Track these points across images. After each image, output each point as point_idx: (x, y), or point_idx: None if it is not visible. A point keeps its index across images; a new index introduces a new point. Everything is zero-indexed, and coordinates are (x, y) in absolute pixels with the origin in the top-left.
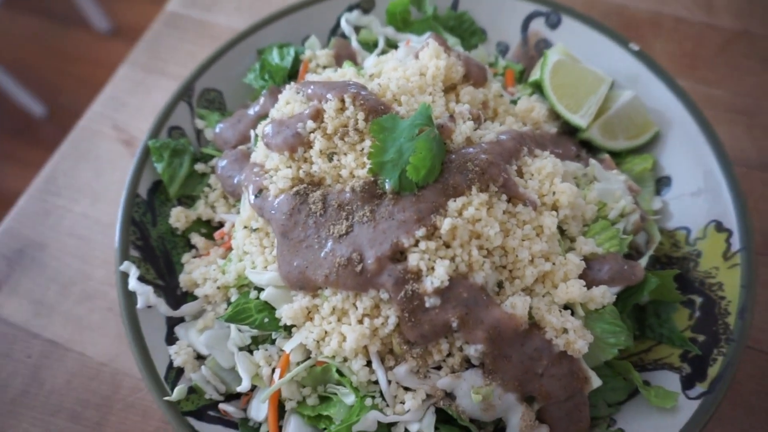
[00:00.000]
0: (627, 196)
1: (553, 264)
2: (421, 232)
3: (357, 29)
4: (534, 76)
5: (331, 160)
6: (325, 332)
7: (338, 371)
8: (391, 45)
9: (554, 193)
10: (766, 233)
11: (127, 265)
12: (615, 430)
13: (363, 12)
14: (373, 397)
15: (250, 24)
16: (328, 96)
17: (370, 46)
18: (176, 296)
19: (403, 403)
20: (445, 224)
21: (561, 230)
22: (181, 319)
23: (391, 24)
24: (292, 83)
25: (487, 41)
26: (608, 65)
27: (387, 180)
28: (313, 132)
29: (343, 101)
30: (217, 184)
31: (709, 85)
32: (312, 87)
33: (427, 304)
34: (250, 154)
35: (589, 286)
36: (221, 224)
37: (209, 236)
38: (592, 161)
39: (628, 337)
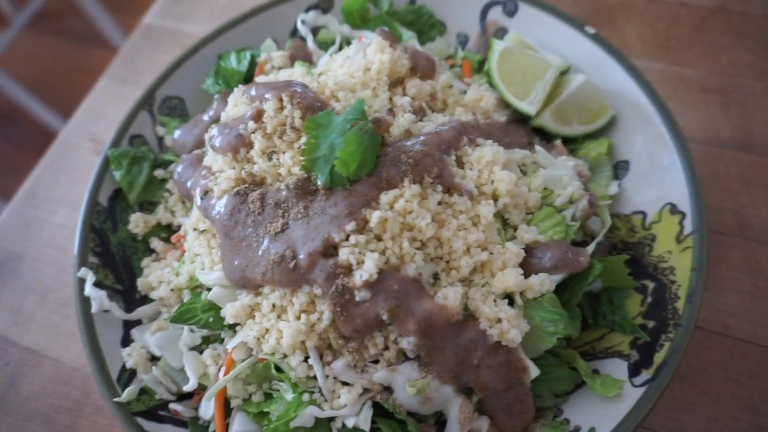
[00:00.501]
0: (575, 182)
1: (491, 253)
2: (351, 226)
3: (316, 30)
4: (488, 64)
5: (270, 159)
6: (266, 329)
7: (277, 368)
8: (350, 43)
9: (493, 181)
10: (738, 213)
11: (84, 272)
12: (561, 421)
13: (322, 12)
14: (312, 393)
15: (209, 32)
16: (267, 96)
17: (329, 46)
18: (135, 300)
19: (339, 397)
20: (374, 217)
21: (503, 219)
22: (141, 322)
23: (348, 22)
24: (240, 86)
25: (446, 33)
26: (566, 51)
27: (319, 176)
28: (254, 132)
29: (281, 100)
30: (175, 188)
31: (682, 66)
32: (254, 88)
33: (358, 298)
34: (204, 157)
35: (531, 275)
36: (180, 228)
37: (169, 240)
38: (538, 147)
39: (568, 325)
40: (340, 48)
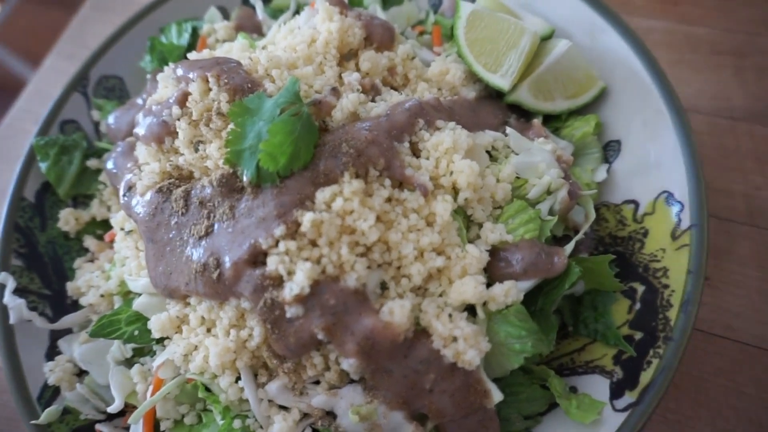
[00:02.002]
0: (553, 169)
1: (448, 258)
2: (280, 230)
3: None
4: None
5: (197, 150)
6: (194, 346)
7: (207, 388)
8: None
9: (453, 173)
10: (749, 197)
11: (3, 277)
12: None
13: None
14: (245, 418)
15: (150, 1)
16: (191, 76)
17: (283, 14)
18: (65, 306)
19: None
20: (306, 220)
21: (466, 216)
22: (71, 331)
23: None
24: (171, 64)
25: None
26: (550, 11)
27: (245, 171)
28: (179, 119)
29: (207, 81)
30: (107, 181)
31: (692, 24)
32: (181, 67)
33: (289, 314)
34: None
35: (498, 281)
36: None
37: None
38: (509, 129)
39: (537, 341)
40: (295, 17)
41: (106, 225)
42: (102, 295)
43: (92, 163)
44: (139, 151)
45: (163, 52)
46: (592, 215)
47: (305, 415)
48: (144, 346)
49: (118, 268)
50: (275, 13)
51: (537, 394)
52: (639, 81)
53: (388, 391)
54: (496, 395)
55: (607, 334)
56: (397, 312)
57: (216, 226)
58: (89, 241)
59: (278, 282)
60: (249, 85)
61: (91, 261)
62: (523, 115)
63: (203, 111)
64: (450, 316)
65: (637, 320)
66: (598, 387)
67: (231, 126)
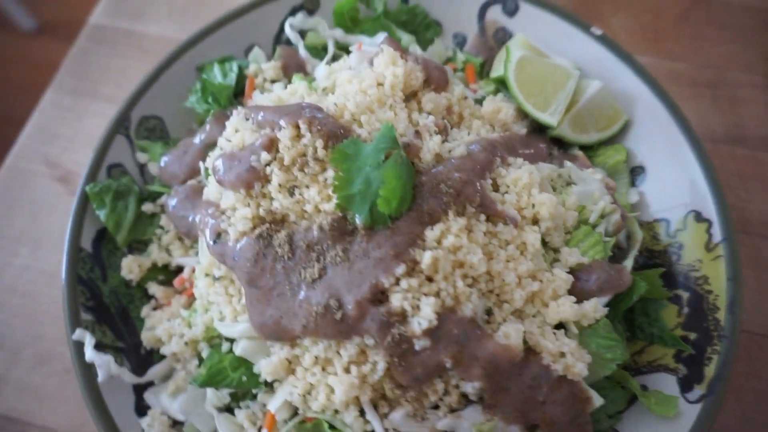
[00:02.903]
0: (605, 195)
1: (541, 282)
2: (401, 269)
3: (303, 33)
4: (497, 71)
5: (292, 194)
6: (311, 385)
7: (331, 426)
8: (342, 48)
9: (534, 205)
10: (738, 209)
11: (80, 334)
12: None
13: (308, 13)
14: None
15: (186, 38)
16: (281, 123)
17: (318, 51)
18: (140, 356)
19: None
20: (426, 258)
21: (544, 242)
22: (152, 383)
23: (339, 25)
24: (240, 108)
25: (442, 34)
26: (570, 52)
27: (357, 215)
28: (268, 164)
29: (298, 128)
30: (170, 224)
31: (673, 59)
32: (262, 113)
33: (417, 347)
34: (202, 188)
35: (578, 299)
36: (180, 269)
37: (168, 283)
38: (568, 163)
39: (624, 350)
40: (334, 56)
41: (166, 270)
42: (186, 343)
43: (147, 207)
44: (212, 194)
45: (214, 92)
46: (640, 235)
47: None
48: (240, 391)
49: (201, 315)
50: (310, 51)
51: (618, 394)
52: (656, 114)
53: (506, 407)
54: (597, 400)
55: (664, 336)
56: (512, 335)
57: (329, 269)
58: (154, 288)
59: (402, 318)
60: (342, 131)
61: (158, 308)
62: (560, 146)
63: (296, 156)
64: (554, 334)
65: (687, 322)
66: (666, 383)
67: (330, 171)
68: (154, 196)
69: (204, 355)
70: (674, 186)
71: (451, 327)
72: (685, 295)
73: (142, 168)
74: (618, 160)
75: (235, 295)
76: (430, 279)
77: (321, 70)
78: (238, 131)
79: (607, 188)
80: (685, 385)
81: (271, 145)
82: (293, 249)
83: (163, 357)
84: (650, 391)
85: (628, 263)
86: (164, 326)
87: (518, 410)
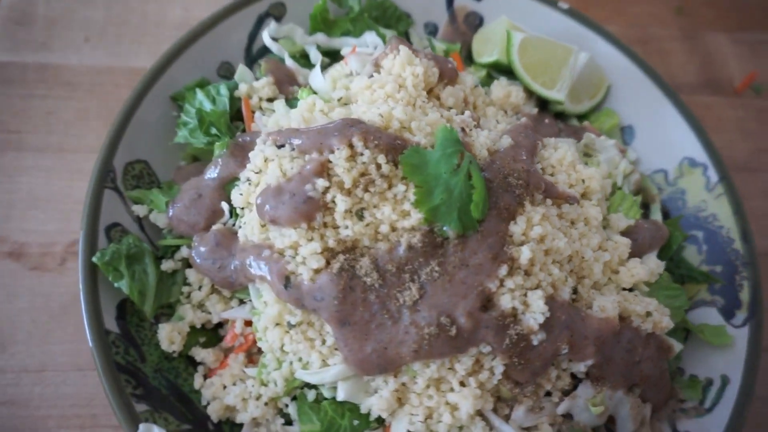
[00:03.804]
0: (624, 159)
1: (606, 251)
2: (503, 270)
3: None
4: (488, 56)
5: (361, 218)
6: (429, 409)
7: None
8: (324, 53)
9: (583, 180)
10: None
11: (146, 429)
12: (692, 379)
13: (275, 20)
14: None
15: (152, 65)
16: (332, 144)
17: (297, 59)
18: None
19: None
20: (525, 254)
21: None
22: None
23: (315, 29)
24: (264, 136)
25: (414, 24)
26: (541, 27)
27: (447, 226)
28: (326, 191)
29: (351, 146)
30: (201, 279)
31: (604, 24)
32: (303, 137)
33: (535, 342)
34: (232, 232)
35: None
36: (218, 325)
37: (211, 343)
38: (590, 135)
39: (685, 295)
40: (326, 63)
41: (203, 331)
42: (266, 403)
43: (167, 265)
44: (258, 236)
45: (212, 121)
46: (655, 189)
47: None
48: None
49: (275, 369)
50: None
51: (678, 336)
52: (632, 75)
53: (612, 376)
54: (677, 346)
55: (693, 274)
56: (608, 307)
57: (427, 287)
58: (202, 354)
59: (514, 317)
60: (398, 142)
61: (209, 375)
62: (558, 118)
63: (357, 177)
64: (636, 296)
65: (710, 258)
66: (709, 316)
67: (400, 185)
68: (167, 251)
69: (291, 411)
70: (664, 139)
71: (558, 314)
72: (699, 234)
73: (140, 222)
74: (612, 123)
75: (317, 338)
76: (528, 273)
77: (317, 79)
78: (268, 160)
79: (620, 151)
80: (727, 313)
81: (322, 170)
82: (382, 275)
83: (234, 426)
84: (698, 325)
85: (658, 216)
86: (234, 393)
87: (622, 375)
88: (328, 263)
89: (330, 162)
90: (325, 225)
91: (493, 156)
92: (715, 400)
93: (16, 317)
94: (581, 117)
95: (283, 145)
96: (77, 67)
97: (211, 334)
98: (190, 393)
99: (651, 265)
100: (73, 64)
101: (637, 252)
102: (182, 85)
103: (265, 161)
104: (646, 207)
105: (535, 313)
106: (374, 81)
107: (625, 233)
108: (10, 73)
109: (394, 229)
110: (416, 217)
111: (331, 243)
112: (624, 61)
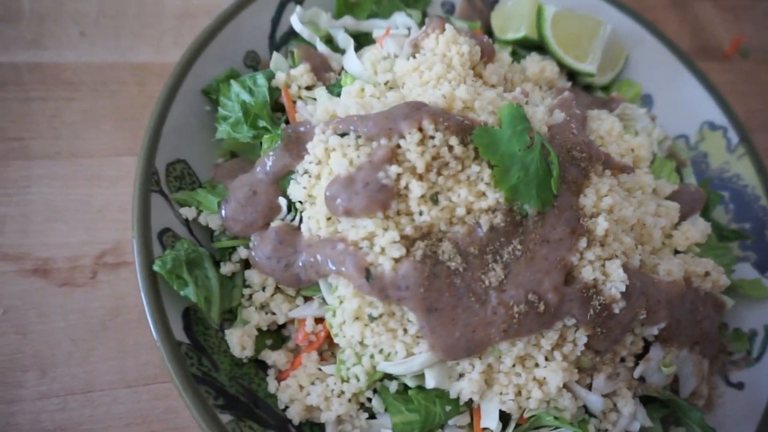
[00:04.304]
0: (655, 126)
1: (661, 217)
2: (583, 243)
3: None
4: (512, 32)
5: (436, 202)
6: (518, 386)
7: (552, 417)
8: (352, 36)
9: (633, 149)
10: None
11: None
12: (736, 332)
13: (296, 4)
14: (586, 420)
15: (180, 60)
16: (402, 128)
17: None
18: None
19: (612, 411)
20: (601, 226)
21: None
22: None
23: (341, 13)
24: (322, 125)
25: (431, 4)
26: (558, 2)
27: (526, 204)
28: (399, 178)
29: (421, 130)
30: (265, 280)
31: None
32: (370, 123)
33: (616, 310)
34: (294, 227)
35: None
36: (281, 326)
37: (277, 345)
38: (625, 104)
39: (730, 253)
40: (358, 46)
41: (269, 333)
42: (349, 400)
43: (227, 268)
44: (325, 230)
45: (257, 114)
46: (686, 153)
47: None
48: None
49: (355, 364)
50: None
51: (724, 291)
52: (648, 44)
53: (679, 336)
54: (729, 302)
55: (724, 233)
56: (674, 271)
57: (512, 265)
58: (273, 356)
59: (596, 288)
60: (467, 122)
61: (282, 378)
62: (585, 90)
63: (430, 161)
64: (693, 258)
65: (737, 216)
66: (743, 271)
67: (474, 166)
68: (224, 254)
69: (375, 404)
70: (682, 105)
71: (634, 281)
72: (725, 194)
73: (188, 225)
74: (634, 92)
75: (398, 328)
76: (602, 244)
77: (353, 63)
78: (330, 150)
79: (651, 119)
80: (762, 267)
81: (392, 156)
82: (465, 258)
83: (314, 426)
84: (737, 281)
85: (692, 179)
86: (316, 392)
87: (687, 335)
88: (407, 251)
89: (399, 147)
90: (398, 213)
91: (552, 131)
92: (761, 349)
93: (53, 338)
94: (605, 88)
95: (345, 134)
96: (76, 65)
97: (276, 337)
98: (266, 398)
99: (701, 227)
100: (71, 62)
101: (682, 216)
102: (211, 78)
103: (326, 151)
104: (677, 172)
105: (616, 282)
106: (421, 62)
107: (670, 198)
108: (2, 75)
109: (469, 211)
110: (493, 197)
111: (408, 230)
112: (639, 30)
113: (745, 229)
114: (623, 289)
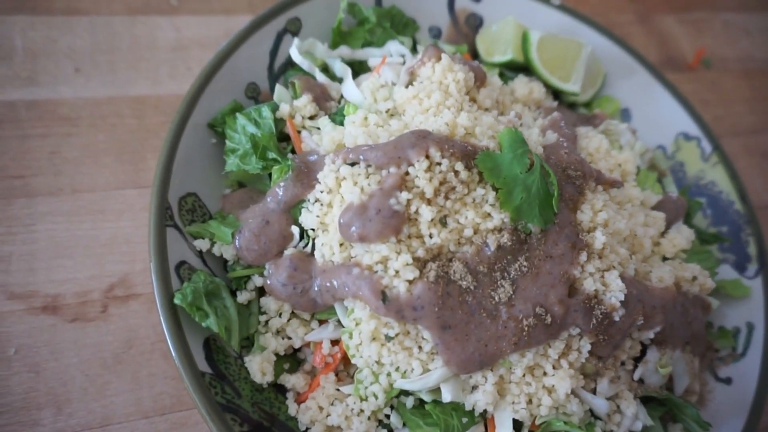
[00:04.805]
0: (636, 140)
1: (650, 227)
2: (584, 256)
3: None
4: (499, 55)
5: (445, 225)
6: (529, 395)
7: (562, 422)
8: (347, 64)
9: (620, 164)
10: None
11: None
12: (721, 330)
13: (292, 36)
14: (592, 423)
15: (185, 95)
16: (410, 156)
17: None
18: None
19: (616, 413)
20: (599, 240)
21: None
22: None
23: (337, 43)
24: (332, 156)
25: (419, 29)
26: (536, 23)
27: (530, 223)
28: (409, 203)
29: (428, 157)
30: (281, 306)
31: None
32: (379, 152)
33: (616, 318)
34: (307, 254)
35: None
36: (296, 349)
37: (293, 368)
38: (612, 121)
39: (713, 257)
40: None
41: (286, 358)
42: (369, 417)
43: (243, 297)
44: (338, 256)
45: (265, 146)
46: (665, 164)
47: None
48: None
49: (372, 382)
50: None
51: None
52: (623, 62)
53: (672, 338)
54: (714, 303)
55: (704, 237)
56: (666, 277)
57: (518, 282)
58: (292, 380)
59: (597, 298)
60: (470, 148)
61: (301, 400)
62: (569, 109)
63: (438, 186)
64: (680, 264)
65: (714, 220)
66: (723, 272)
67: (479, 189)
68: (239, 283)
69: (393, 420)
70: (658, 118)
71: (631, 290)
72: (702, 200)
73: (202, 256)
74: (614, 108)
75: (414, 346)
76: (600, 256)
77: (353, 92)
78: (340, 179)
79: (632, 133)
80: (740, 267)
81: (402, 183)
82: (475, 276)
83: None
84: (718, 282)
85: (673, 189)
86: (337, 413)
87: (679, 336)
88: (420, 273)
89: (407, 174)
90: (409, 236)
91: (546, 151)
92: (746, 344)
93: (66, 374)
94: (586, 105)
95: (355, 163)
96: (73, 101)
97: (292, 361)
98: (287, 420)
99: (685, 234)
100: (68, 98)
101: (668, 224)
102: (215, 111)
103: (337, 180)
104: (659, 182)
105: (615, 291)
106: (419, 90)
107: (655, 208)
108: (6, 111)
109: (476, 231)
110: (498, 217)
111: (420, 253)
112: (615, 49)
113: (722, 232)
114: (622, 298)
